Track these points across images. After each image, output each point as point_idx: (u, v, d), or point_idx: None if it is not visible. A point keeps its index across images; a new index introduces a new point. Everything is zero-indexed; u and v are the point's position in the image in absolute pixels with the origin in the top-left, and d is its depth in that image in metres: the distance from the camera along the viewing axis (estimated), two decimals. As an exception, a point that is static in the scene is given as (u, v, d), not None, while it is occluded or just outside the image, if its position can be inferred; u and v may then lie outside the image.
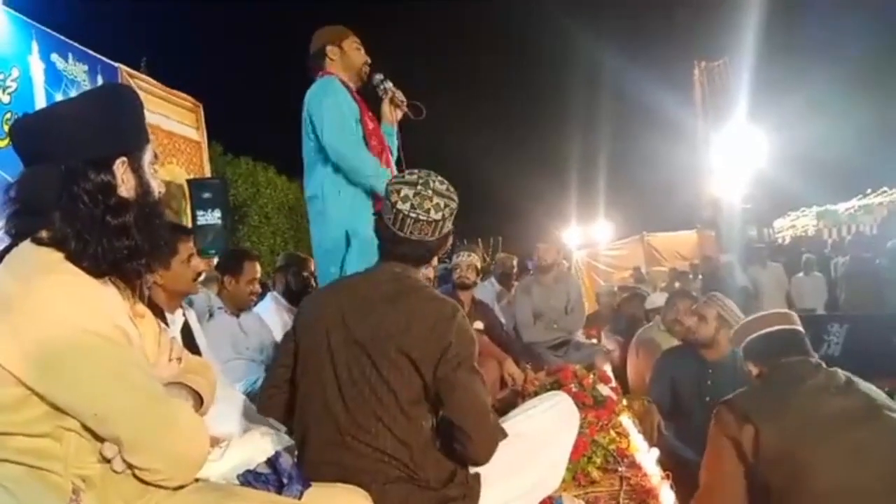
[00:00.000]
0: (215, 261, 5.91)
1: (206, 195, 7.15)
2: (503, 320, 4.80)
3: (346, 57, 3.03)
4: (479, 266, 4.41)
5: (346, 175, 2.86)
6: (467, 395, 1.73)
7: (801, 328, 2.36)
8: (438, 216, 1.82)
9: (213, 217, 7.09)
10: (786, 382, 2.18)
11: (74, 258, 1.27)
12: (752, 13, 13.17)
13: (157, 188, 1.42)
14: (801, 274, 9.52)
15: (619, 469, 2.38)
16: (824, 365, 2.23)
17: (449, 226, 1.90)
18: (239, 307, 3.42)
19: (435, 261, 2.07)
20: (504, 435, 1.82)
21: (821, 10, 19.26)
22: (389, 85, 3.11)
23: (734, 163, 13.18)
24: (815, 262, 9.74)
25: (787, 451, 2.00)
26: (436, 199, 1.82)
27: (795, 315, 2.43)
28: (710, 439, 2.24)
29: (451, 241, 1.98)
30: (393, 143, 3.15)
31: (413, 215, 1.81)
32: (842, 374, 2.19)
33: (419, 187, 1.82)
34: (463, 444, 1.72)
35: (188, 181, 7.49)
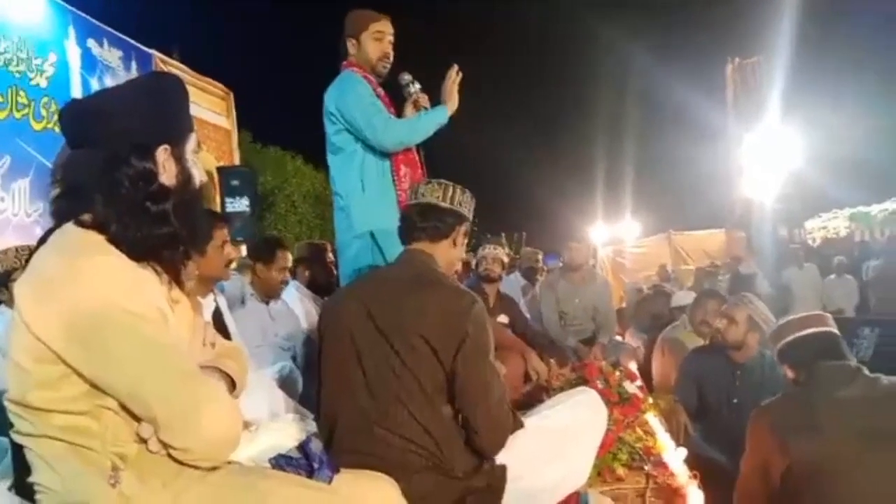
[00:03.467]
0: (243, 248, 5.99)
1: (235, 183, 7.25)
2: (528, 315, 4.78)
3: (361, 51, 2.89)
4: (504, 260, 4.40)
5: (373, 168, 2.78)
6: (477, 387, 1.76)
7: (836, 330, 2.30)
8: (449, 184, 2.01)
9: (241, 204, 7.18)
10: (821, 391, 2.11)
11: (115, 241, 1.29)
12: (787, 10, 12.88)
13: (198, 177, 1.43)
14: (832, 276, 9.42)
15: (646, 467, 2.35)
16: (864, 369, 2.16)
17: (462, 207, 2.01)
18: (269, 294, 3.46)
19: (461, 252, 2.08)
20: (519, 425, 1.85)
21: (857, 7, 18.83)
22: (417, 87, 2.97)
23: (766, 162, 12.93)
24: (846, 265, 9.61)
25: (818, 467, 1.95)
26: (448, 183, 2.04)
27: (830, 316, 2.37)
28: (748, 438, 2.22)
29: (466, 230, 2.06)
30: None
31: (425, 184, 2.04)
32: (885, 380, 2.11)
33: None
34: (469, 436, 1.78)
35: (218, 168, 7.58)
